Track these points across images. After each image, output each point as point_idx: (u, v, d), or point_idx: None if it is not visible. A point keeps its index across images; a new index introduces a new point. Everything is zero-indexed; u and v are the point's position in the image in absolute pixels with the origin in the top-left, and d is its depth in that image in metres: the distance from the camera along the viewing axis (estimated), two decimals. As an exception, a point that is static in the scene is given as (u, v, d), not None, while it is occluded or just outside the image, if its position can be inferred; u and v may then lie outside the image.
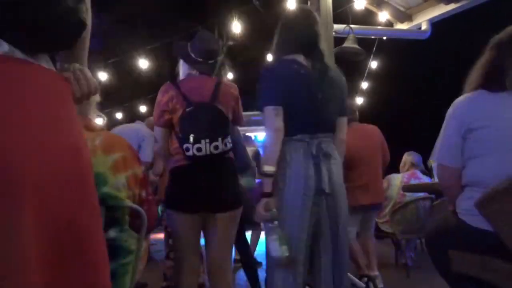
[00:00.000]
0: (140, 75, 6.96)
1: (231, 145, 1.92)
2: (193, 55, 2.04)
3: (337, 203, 1.76)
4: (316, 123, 1.78)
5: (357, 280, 2.88)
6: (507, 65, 1.53)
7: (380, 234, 4.33)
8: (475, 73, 1.64)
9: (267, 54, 5.17)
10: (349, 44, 3.01)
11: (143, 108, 7.32)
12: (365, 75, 6.49)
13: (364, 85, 6.89)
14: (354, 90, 7.39)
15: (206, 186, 1.89)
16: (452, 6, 3.42)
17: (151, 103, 6.92)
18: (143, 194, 1.61)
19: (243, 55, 5.83)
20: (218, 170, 1.93)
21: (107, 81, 6.12)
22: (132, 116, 6.55)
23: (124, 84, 9.66)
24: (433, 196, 4.00)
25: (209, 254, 2.02)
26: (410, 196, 4.07)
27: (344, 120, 1.93)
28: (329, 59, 2.06)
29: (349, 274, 2.87)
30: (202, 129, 1.85)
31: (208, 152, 1.83)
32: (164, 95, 1.97)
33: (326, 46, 2.90)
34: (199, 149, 1.82)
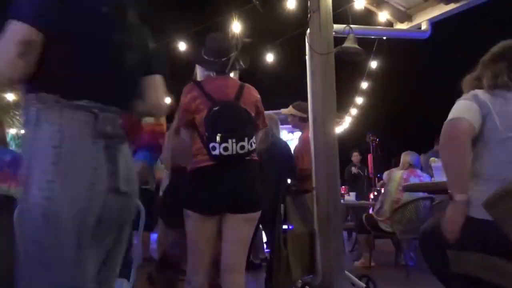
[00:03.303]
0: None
1: (255, 145, 1.92)
2: (206, 57, 2.05)
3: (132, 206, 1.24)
4: (114, 85, 1.17)
5: (357, 280, 2.88)
6: None
7: (380, 234, 4.33)
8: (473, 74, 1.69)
9: (266, 53, 5.18)
10: (349, 44, 3.00)
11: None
12: (365, 75, 6.49)
13: (364, 85, 6.89)
14: (354, 90, 7.40)
15: (231, 187, 1.87)
16: (452, 6, 3.42)
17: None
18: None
19: (241, 56, 5.82)
20: (243, 171, 1.91)
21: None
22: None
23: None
24: (433, 196, 4.01)
25: (224, 255, 1.99)
26: (408, 194, 4.07)
27: (156, 80, 1.34)
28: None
29: (349, 274, 2.87)
30: (229, 128, 1.83)
31: (234, 152, 1.81)
32: (186, 96, 1.96)
33: (326, 47, 2.93)
34: (225, 149, 1.79)
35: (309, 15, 3.01)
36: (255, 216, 1.98)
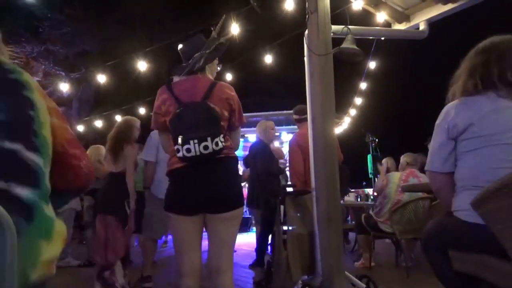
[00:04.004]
0: (139, 77, 6.95)
1: (223, 144, 1.88)
2: (183, 63, 2.11)
3: None
4: None
5: (357, 280, 2.88)
6: (493, 70, 1.59)
7: (380, 234, 4.34)
8: (459, 84, 1.70)
9: (265, 55, 5.19)
10: (348, 44, 3.01)
11: (142, 110, 7.32)
12: (364, 75, 6.51)
13: (363, 85, 6.90)
14: (353, 90, 7.41)
15: (201, 187, 1.87)
16: (449, 6, 3.43)
17: (149, 105, 6.92)
18: (67, 127, 1.12)
19: (241, 56, 5.83)
20: (212, 171, 1.90)
21: (105, 83, 6.12)
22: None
23: (123, 86, 9.66)
24: (432, 196, 4.01)
25: (209, 255, 1.99)
26: (408, 195, 4.10)
27: None
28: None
29: (349, 274, 2.88)
30: (189, 129, 1.83)
31: (198, 153, 1.80)
32: (158, 98, 2.00)
33: (324, 48, 2.93)
34: (188, 150, 1.80)
35: (307, 16, 3.01)
36: (235, 214, 1.95)
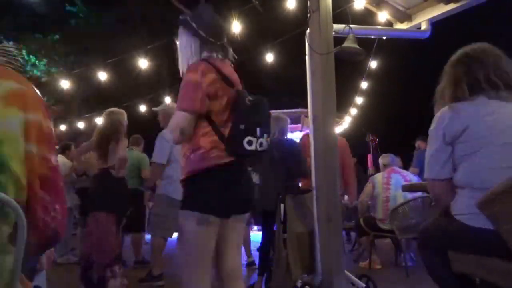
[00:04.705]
0: (140, 75, 6.95)
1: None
2: (203, 33, 1.72)
3: None
4: None
5: (357, 280, 2.88)
6: (478, 76, 1.61)
7: (379, 234, 4.34)
8: (446, 89, 1.71)
9: (266, 53, 5.18)
10: (349, 44, 3.00)
11: (142, 108, 7.31)
12: (365, 75, 6.49)
13: (364, 85, 6.89)
14: (354, 89, 7.40)
15: (246, 186, 1.73)
16: (452, 6, 3.42)
17: (150, 103, 6.90)
18: (51, 158, 0.91)
19: (242, 55, 5.82)
20: (249, 169, 1.80)
21: (106, 81, 6.11)
22: (132, 116, 6.53)
23: (124, 84, 9.65)
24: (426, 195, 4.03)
25: (225, 262, 1.77)
26: (394, 189, 4.28)
27: None
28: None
29: (349, 274, 2.87)
30: (266, 122, 1.69)
31: (266, 148, 1.67)
32: (203, 77, 1.62)
33: (326, 47, 2.93)
34: (261, 144, 1.64)
35: (309, 15, 3.00)
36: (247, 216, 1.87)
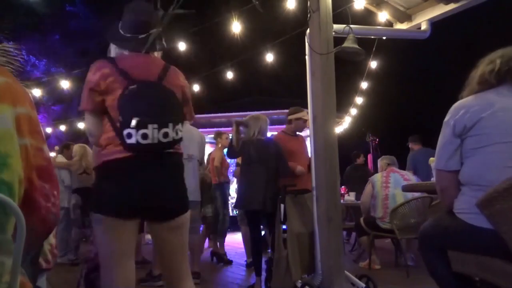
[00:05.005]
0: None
1: (181, 134, 1.63)
2: (122, 32, 1.71)
3: None
4: None
5: (357, 280, 2.88)
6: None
7: (379, 234, 4.34)
8: (469, 83, 1.71)
9: (266, 53, 5.18)
10: (349, 44, 3.00)
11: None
12: (365, 75, 6.49)
13: (364, 85, 6.89)
14: (354, 90, 7.40)
15: (151, 184, 1.54)
16: (451, 6, 3.42)
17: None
18: (44, 149, 0.93)
19: (242, 55, 5.82)
20: (164, 165, 1.59)
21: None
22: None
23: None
24: (431, 196, 4.02)
25: (163, 265, 1.74)
26: (393, 188, 4.28)
27: None
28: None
29: (349, 274, 2.88)
30: (150, 111, 1.52)
31: (156, 141, 1.50)
32: (95, 73, 1.59)
33: (326, 47, 2.93)
34: (144, 136, 1.48)
35: (309, 15, 3.01)
36: (187, 218, 1.68)
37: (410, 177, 4.48)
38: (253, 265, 3.66)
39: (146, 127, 1.48)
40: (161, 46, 1.74)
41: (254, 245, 3.63)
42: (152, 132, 1.49)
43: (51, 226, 0.94)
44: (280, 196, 3.31)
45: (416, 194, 4.12)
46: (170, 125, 1.54)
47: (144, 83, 1.58)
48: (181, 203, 1.66)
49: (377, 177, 4.55)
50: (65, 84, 6.40)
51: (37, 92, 5.97)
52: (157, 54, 1.80)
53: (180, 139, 1.62)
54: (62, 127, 8.18)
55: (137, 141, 1.48)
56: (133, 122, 1.47)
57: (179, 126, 1.59)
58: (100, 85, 1.58)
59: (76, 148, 5.18)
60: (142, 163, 1.53)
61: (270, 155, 3.54)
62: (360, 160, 7.41)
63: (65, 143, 5.67)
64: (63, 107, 11.57)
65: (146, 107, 1.53)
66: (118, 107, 1.53)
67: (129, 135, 1.48)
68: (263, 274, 3.53)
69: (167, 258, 1.69)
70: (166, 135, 1.52)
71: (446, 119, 1.68)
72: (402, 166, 5.27)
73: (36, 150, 0.87)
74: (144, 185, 1.52)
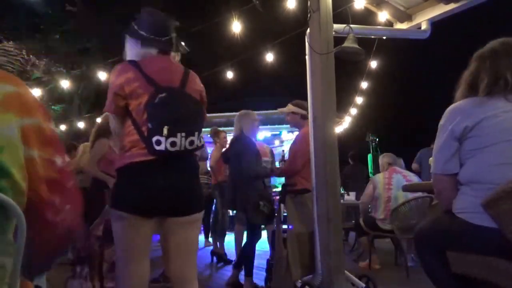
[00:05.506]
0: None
1: (203, 141, 1.71)
2: (143, 33, 1.75)
3: None
4: None
5: (357, 280, 2.87)
6: (488, 73, 1.60)
7: (379, 234, 4.34)
8: (462, 85, 1.70)
9: (266, 53, 5.18)
10: (349, 44, 3.00)
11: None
12: (365, 75, 6.50)
13: (364, 84, 6.89)
14: (354, 89, 7.40)
15: (173, 185, 1.63)
16: (452, 6, 3.42)
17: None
18: (57, 161, 0.89)
19: (242, 55, 5.82)
20: (184, 168, 1.68)
21: (107, 81, 6.11)
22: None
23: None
24: (432, 195, 4.02)
25: (171, 264, 1.75)
26: (396, 190, 4.27)
27: None
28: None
29: (349, 274, 2.87)
30: (179, 120, 1.58)
31: (183, 148, 1.57)
32: (119, 77, 1.67)
33: (326, 46, 2.93)
34: (173, 144, 1.55)
35: (309, 15, 3.00)
36: (199, 217, 1.76)
37: (412, 178, 4.47)
38: (245, 265, 3.63)
39: (175, 136, 1.55)
40: (183, 49, 1.84)
41: (247, 245, 3.64)
42: (180, 140, 1.57)
43: (63, 241, 0.91)
44: (279, 198, 3.32)
45: (417, 194, 4.11)
46: (196, 133, 1.62)
47: (171, 90, 1.64)
48: (198, 203, 1.75)
49: (379, 178, 4.51)
50: (65, 84, 6.40)
51: (37, 92, 5.97)
52: (176, 58, 1.89)
53: (202, 146, 1.69)
54: (62, 127, 8.18)
55: (166, 148, 1.55)
56: (165, 131, 1.54)
57: (201, 134, 1.67)
58: (124, 89, 1.64)
59: (80, 147, 5.12)
60: (165, 166, 1.61)
61: (232, 155, 3.62)
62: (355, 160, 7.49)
63: (70, 143, 5.65)
64: (63, 107, 11.59)
65: (176, 116, 1.59)
66: (147, 114, 1.59)
67: (158, 142, 1.54)
68: (263, 274, 3.54)
69: (177, 255, 1.72)
70: (192, 142, 1.60)
71: (442, 122, 1.67)
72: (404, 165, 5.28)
73: (46, 162, 0.85)
74: (166, 186, 1.61)
